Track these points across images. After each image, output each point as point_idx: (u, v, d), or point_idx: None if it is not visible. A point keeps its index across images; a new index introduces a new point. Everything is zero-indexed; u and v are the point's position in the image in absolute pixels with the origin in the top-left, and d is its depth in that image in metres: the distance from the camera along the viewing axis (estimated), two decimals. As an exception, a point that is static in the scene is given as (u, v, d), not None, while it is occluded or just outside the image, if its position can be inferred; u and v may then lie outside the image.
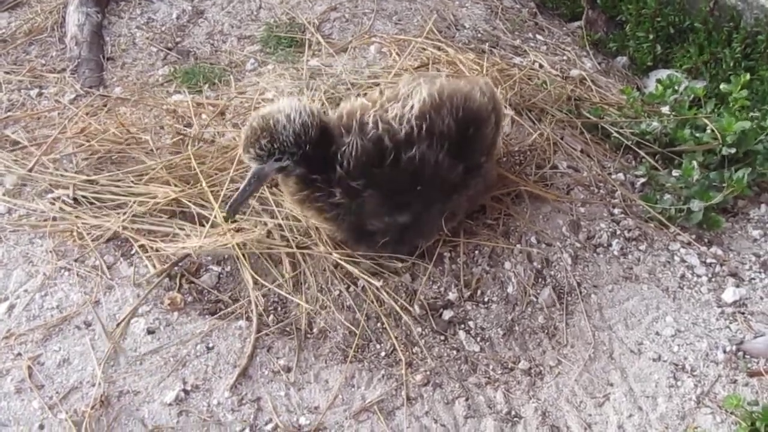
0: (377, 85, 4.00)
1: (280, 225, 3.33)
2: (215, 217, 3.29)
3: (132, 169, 3.52)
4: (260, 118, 2.87)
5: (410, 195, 3.05)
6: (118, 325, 3.01)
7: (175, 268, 3.19)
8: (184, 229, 3.28)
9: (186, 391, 2.85)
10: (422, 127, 3.00)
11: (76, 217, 3.32)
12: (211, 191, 3.40)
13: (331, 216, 3.08)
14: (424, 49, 4.35)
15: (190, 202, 3.38)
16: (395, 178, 2.99)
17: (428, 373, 3.01)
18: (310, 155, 2.91)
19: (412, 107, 3.04)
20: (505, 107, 3.90)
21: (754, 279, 3.45)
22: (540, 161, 3.77)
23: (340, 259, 3.21)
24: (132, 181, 3.46)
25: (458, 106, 3.09)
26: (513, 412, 2.94)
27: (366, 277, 3.18)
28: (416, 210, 3.12)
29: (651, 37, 4.79)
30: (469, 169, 3.17)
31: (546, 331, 3.19)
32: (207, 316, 3.09)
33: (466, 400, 2.95)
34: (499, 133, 3.46)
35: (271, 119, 2.84)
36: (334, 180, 2.97)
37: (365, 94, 3.55)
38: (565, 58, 4.74)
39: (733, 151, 3.72)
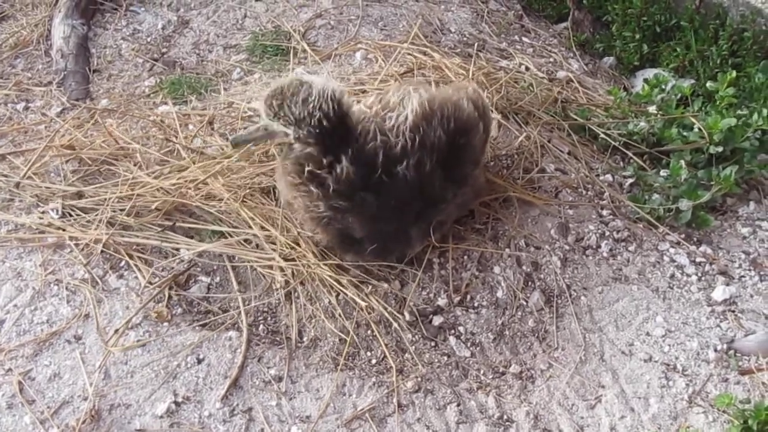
0: (364, 92, 4.00)
1: (269, 236, 3.33)
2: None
3: (120, 182, 3.51)
4: (291, 81, 2.86)
5: (398, 206, 3.03)
6: (108, 338, 3.00)
7: (165, 278, 3.19)
8: (173, 242, 3.29)
9: (177, 403, 2.85)
10: (415, 140, 2.99)
11: (65, 230, 3.32)
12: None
13: (317, 215, 3.05)
14: (410, 54, 4.35)
15: (181, 213, 3.40)
16: (386, 190, 2.98)
17: (419, 379, 3.00)
18: (324, 139, 2.88)
19: (406, 118, 3.02)
20: (492, 111, 3.90)
21: (743, 277, 3.45)
22: (527, 164, 3.77)
23: (329, 268, 3.22)
24: (121, 194, 3.45)
25: (449, 116, 3.07)
26: (505, 417, 2.94)
27: (355, 285, 3.18)
28: (404, 220, 3.11)
29: (637, 36, 4.79)
30: (458, 178, 3.16)
31: (536, 334, 3.19)
32: (197, 328, 3.08)
33: (458, 405, 2.95)
34: (488, 140, 3.45)
35: (294, 88, 2.83)
36: (332, 177, 2.94)
37: (358, 102, 3.55)
38: (551, 59, 4.74)
39: (721, 149, 3.71)
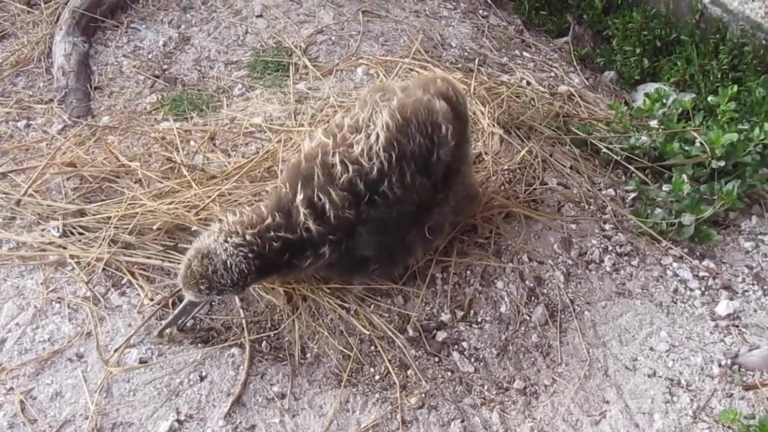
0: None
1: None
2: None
3: (121, 199, 3.51)
4: (198, 259, 2.79)
5: (391, 221, 2.97)
6: (110, 356, 2.99)
7: (167, 295, 3.18)
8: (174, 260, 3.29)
9: (180, 422, 2.83)
10: (392, 157, 2.88)
11: (66, 248, 3.31)
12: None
13: (325, 268, 3.05)
14: (411, 69, 4.36)
15: (182, 232, 3.39)
16: (374, 212, 2.91)
17: (423, 395, 2.99)
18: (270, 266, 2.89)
19: (377, 137, 2.90)
20: (494, 125, 3.90)
21: (747, 291, 3.44)
22: (530, 179, 3.76)
23: (331, 289, 3.22)
24: (122, 212, 3.44)
25: (424, 121, 2.96)
26: (509, 433, 2.93)
27: (358, 301, 3.17)
28: (402, 230, 3.06)
29: (638, 50, 4.81)
30: (446, 177, 3.08)
31: (540, 349, 3.18)
32: (199, 345, 3.07)
33: (462, 421, 2.93)
34: (467, 129, 3.32)
35: (210, 265, 2.77)
36: (313, 249, 2.91)
37: (327, 120, 3.50)
38: (552, 74, 4.75)
39: (723, 163, 3.72)
